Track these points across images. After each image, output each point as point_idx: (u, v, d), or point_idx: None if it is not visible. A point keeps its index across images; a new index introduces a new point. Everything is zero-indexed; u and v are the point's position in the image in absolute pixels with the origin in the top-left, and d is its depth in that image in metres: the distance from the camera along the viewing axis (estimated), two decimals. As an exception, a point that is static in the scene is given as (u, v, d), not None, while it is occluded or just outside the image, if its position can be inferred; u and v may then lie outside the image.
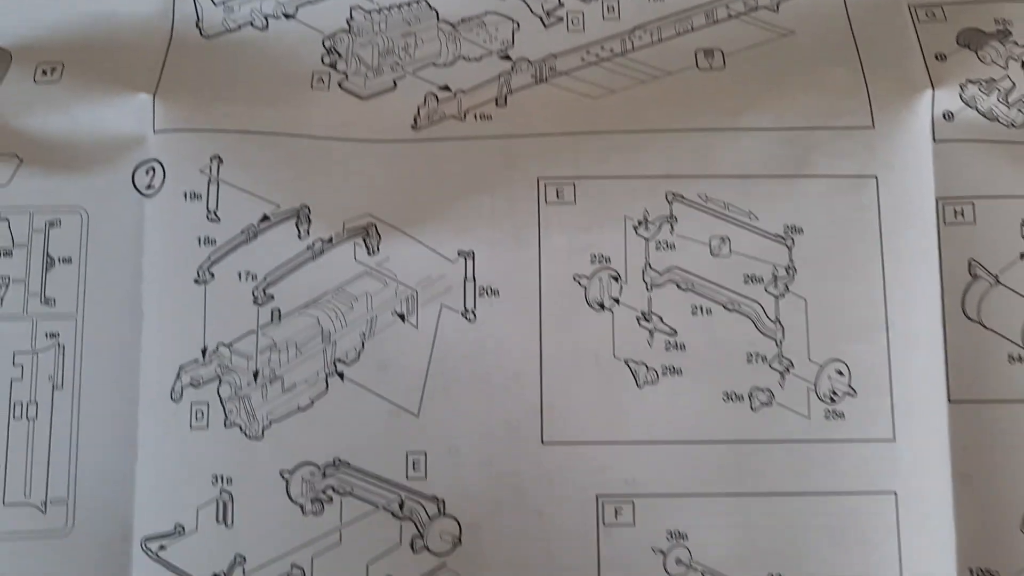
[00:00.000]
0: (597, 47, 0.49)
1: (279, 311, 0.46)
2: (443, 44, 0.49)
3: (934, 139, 0.47)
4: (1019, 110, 0.48)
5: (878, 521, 0.45)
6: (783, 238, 0.47)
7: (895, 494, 0.45)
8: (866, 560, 0.45)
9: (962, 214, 0.47)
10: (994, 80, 0.48)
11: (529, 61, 0.49)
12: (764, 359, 0.46)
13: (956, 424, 0.45)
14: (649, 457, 0.45)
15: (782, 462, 0.45)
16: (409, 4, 0.50)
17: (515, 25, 0.50)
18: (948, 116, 0.48)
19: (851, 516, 0.45)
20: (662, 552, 0.45)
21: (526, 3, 0.50)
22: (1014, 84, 0.48)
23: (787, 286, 0.47)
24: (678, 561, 0.45)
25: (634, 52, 0.49)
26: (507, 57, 0.49)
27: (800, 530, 0.45)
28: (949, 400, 0.46)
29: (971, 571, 0.45)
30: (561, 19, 0.50)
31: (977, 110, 0.48)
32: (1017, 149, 0.47)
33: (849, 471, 0.45)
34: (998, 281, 0.47)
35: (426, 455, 0.45)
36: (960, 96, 0.48)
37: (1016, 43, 0.49)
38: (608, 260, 0.47)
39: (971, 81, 0.48)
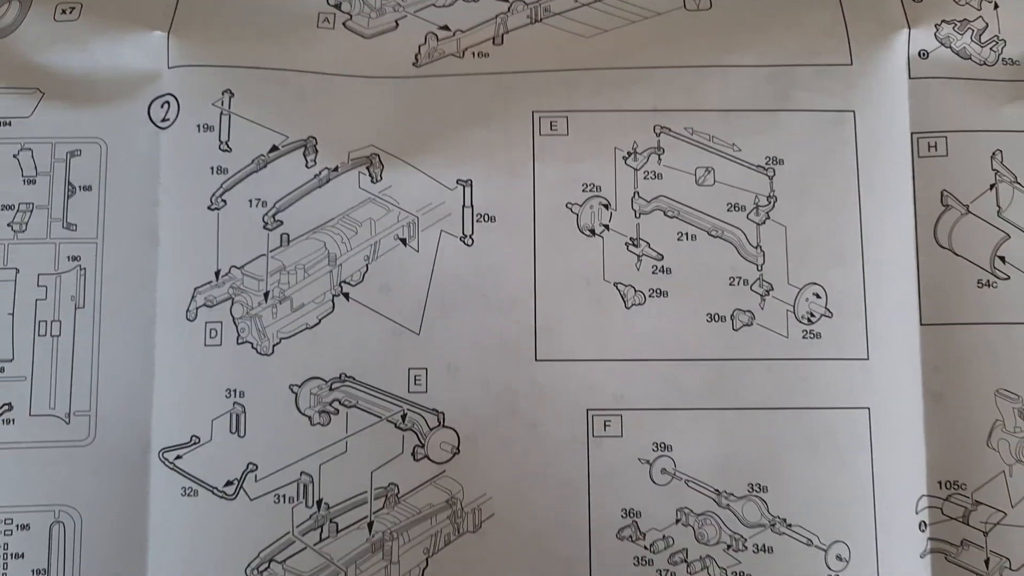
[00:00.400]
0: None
1: (288, 236, 0.47)
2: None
3: (910, 76, 0.49)
4: (991, 49, 0.49)
5: (852, 435, 0.46)
6: (765, 169, 0.48)
7: (868, 410, 0.47)
8: (840, 471, 0.46)
9: (935, 147, 0.48)
10: (968, 20, 0.49)
11: (525, 2, 0.50)
12: (746, 282, 0.47)
13: (927, 345, 0.47)
14: (636, 374, 0.47)
15: (762, 379, 0.47)
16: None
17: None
18: (923, 54, 0.49)
19: (826, 430, 0.46)
20: (648, 462, 0.47)
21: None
22: (987, 24, 0.49)
23: (768, 214, 0.48)
24: (663, 471, 0.46)
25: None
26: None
27: (778, 442, 0.46)
28: (921, 323, 0.47)
29: (940, 483, 0.46)
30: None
31: (951, 49, 0.49)
32: (988, 86, 0.48)
33: (825, 388, 0.47)
34: (968, 211, 0.48)
35: (427, 371, 0.47)
36: (935, 35, 0.49)
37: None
38: (599, 189, 0.48)
39: (946, 21, 0.49)
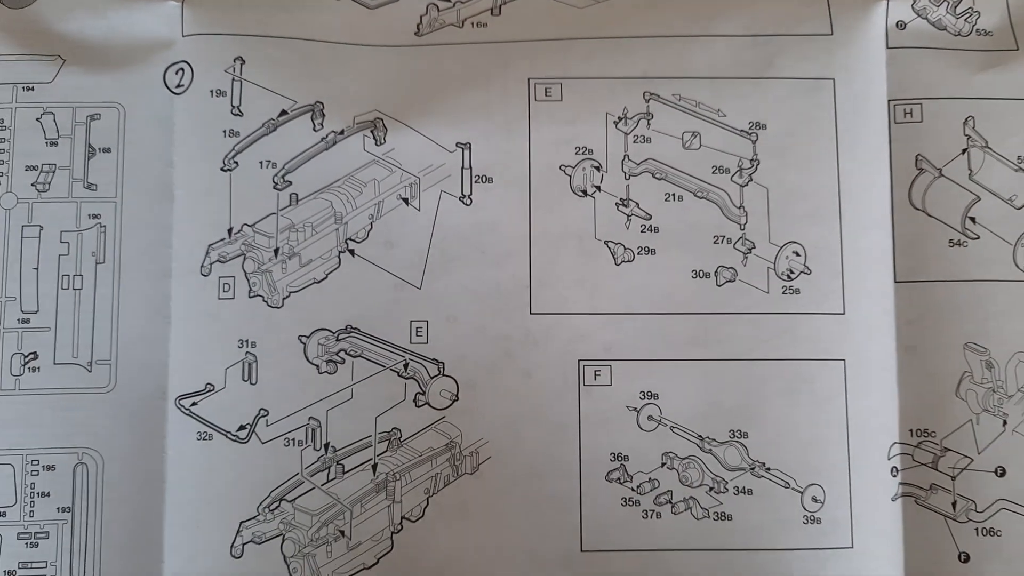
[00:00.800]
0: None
1: (296, 195, 0.49)
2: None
3: (887, 46, 0.50)
4: (965, 20, 0.50)
5: (828, 385, 0.48)
6: (748, 133, 0.49)
7: (844, 361, 0.48)
8: (816, 419, 0.48)
9: (911, 114, 0.50)
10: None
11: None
12: (729, 241, 0.49)
13: (901, 301, 0.48)
14: (625, 326, 0.49)
15: (743, 331, 0.49)
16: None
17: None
18: (901, 25, 0.50)
19: (804, 380, 0.48)
20: (635, 409, 0.48)
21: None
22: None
23: (751, 176, 0.50)
24: (650, 417, 0.48)
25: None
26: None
27: (758, 391, 0.48)
28: (895, 280, 0.48)
29: (911, 431, 0.48)
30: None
31: (927, 20, 0.50)
32: (962, 56, 0.50)
33: (803, 340, 0.49)
34: (941, 174, 0.49)
35: (427, 323, 0.48)
36: (912, 7, 0.50)
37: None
38: (591, 152, 0.50)
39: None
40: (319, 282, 0.49)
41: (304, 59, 0.49)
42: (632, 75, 0.50)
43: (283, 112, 0.49)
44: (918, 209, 0.49)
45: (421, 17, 0.50)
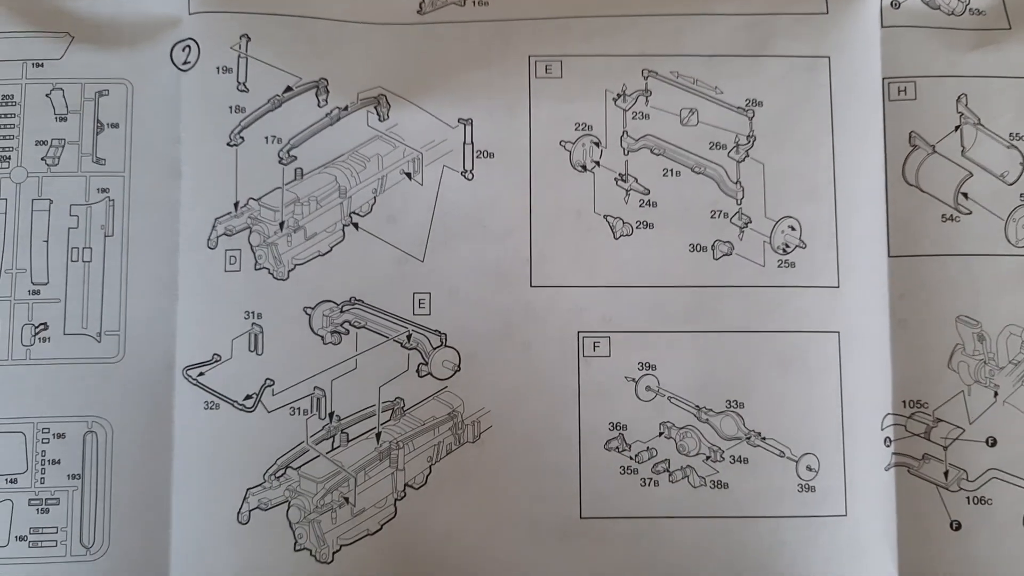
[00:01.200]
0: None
1: (301, 170, 0.49)
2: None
3: (882, 24, 0.50)
4: (959, 0, 0.49)
5: (823, 357, 0.48)
6: (744, 110, 0.49)
7: (838, 334, 0.48)
8: (811, 390, 0.48)
9: (905, 92, 0.49)
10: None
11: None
12: (726, 215, 0.49)
13: (895, 276, 0.48)
14: (623, 299, 0.48)
15: (739, 304, 0.48)
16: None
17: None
18: (895, 4, 0.50)
19: (799, 352, 0.48)
20: (633, 380, 0.48)
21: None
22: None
23: (747, 152, 0.49)
24: (647, 388, 0.48)
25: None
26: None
27: (754, 363, 0.48)
28: (889, 255, 0.48)
29: (904, 402, 0.48)
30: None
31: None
32: (955, 35, 0.50)
33: (798, 313, 0.48)
34: (935, 150, 0.49)
35: (430, 295, 0.48)
36: (907, -15, 0.48)
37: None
38: (590, 128, 0.49)
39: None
40: (324, 255, 0.48)
41: (309, 37, 0.49)
42: (631, 53, 0.50)
43: (288, 89, 0.49)
44: (911, 185, 0.49)
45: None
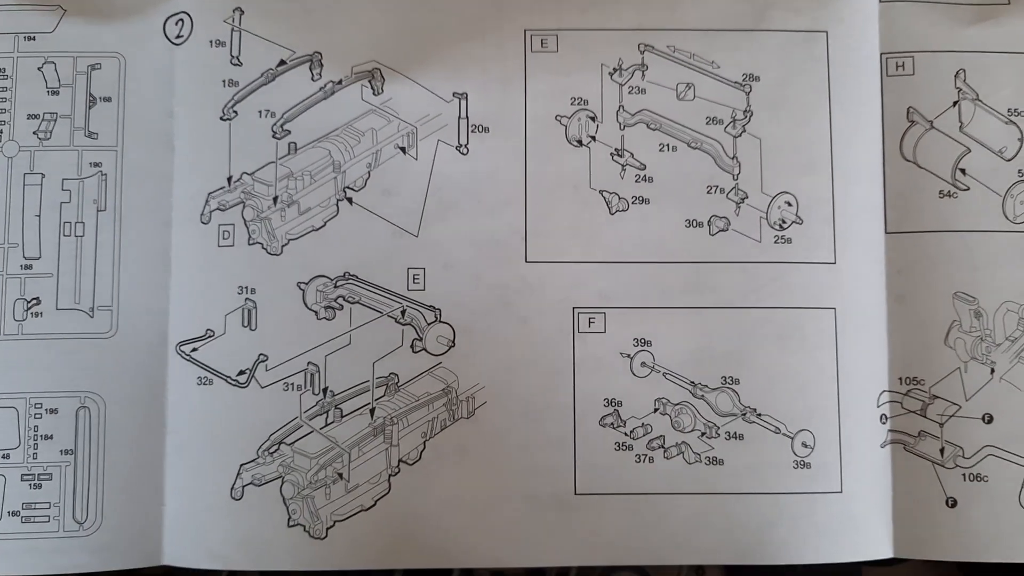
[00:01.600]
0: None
1: (295, 144, 0.47)
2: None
3: (880, -1, 0.46)
4: None
5: (819, 333, 0.47)
6: (742, 85, 0.48)
7: (834, 310, 0.47)
8: (807, 366, 0.47)
9: (903, 66, 0.48)
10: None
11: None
12: (722, 191, 0.48)
13: (892, 252, 0.47)
14: (619, 274, 0.47)
15: (735, 280, 0.47)
16: None
17: None
18: None
19: (795, 328, 0.47)
20: (629, 356, 0.47)
21: None
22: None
23: (744, 127, 0.48)
24: (643, 364, 0.47)
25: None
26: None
27: (750, 339, 0.47)
28: (886, 231, 0.47)
29: (900, 379, 0.47)
30: None
31: (920, -27, 0.47)
32: (954, 8, 0.48)
33: (794, 289, 0.47)
34: (932, 126, 0.48)
35: (424, 270, 0.47)
36: (905, -42, 0.47)
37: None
38: (586, 102, 0.48)
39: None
40: (317, 230, 0.47)
41: (303, 9, 0.48)
42: (627, 27, 0.48)
43: (282, 62, 0.48)
44: (909, 161, 0.48)
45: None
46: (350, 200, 0.48)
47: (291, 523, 0.45)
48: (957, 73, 0.48)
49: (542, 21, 0.48)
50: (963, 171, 0.47)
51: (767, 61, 0.48)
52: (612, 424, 0.47)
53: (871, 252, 0.47)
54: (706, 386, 0.47)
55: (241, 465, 0.46)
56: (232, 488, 0.45)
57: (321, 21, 0.48)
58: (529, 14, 0.48)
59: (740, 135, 0.48)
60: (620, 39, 0.48)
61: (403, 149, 0.48)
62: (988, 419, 0.47)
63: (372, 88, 0.48)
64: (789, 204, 0.48)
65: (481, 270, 0.47)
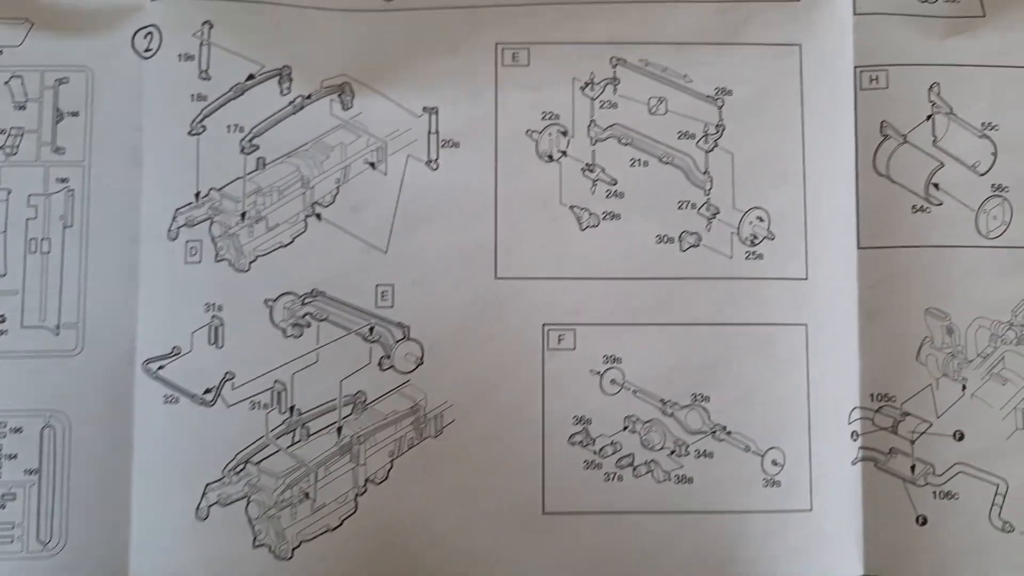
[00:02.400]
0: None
1: (264, 160, 0.45)
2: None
3: (855, 12, 0.46)
4: None
5: (790, 350, 0.45)
6: (714, 99, 0.45)
7: (806, 326, 0.45)
8: (778, 383, 0.45)
9: (877, 80, 0.46)
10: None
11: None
12: (694, 206, 0.45)
13: (864, 267, 0.45)
14: (589, 291, 0.45)
15: (707, 296, 0.45)
16: None
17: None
18: None
19: (766, 344, 0.45)
20: (599, 373, 0.45)
21: None
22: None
23: (716, 142, 0.46)
24: (612, 381, 0.44)
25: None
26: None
27: (720, 356, 0.44)
28: (858, 246, 0.45)
29: (872, 396, 0.45)
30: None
31: (896, -15, 0.44)
32: (928, 22, 0.46)
33: (765, 305, 0.45)
34: (906, 140, 0.46)
35: (393, 287, 0.45)
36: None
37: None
38: (557, 117, 0.46)
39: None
40: (285, 246, 0.45)
41: (272, 23, 0.45)
42: (599, 40, 0.46)
43: (251, 76, 0.45)
44: (882, 175, 0.45)
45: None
46: (318, 216, 0.45)
47: (256, 544, 0.43)
48: (931, 87, 0.46)
49: (514, 34, 0.46)
50: (936, 186, 0.45)
51: (740, 75, 0.46)
52: (581, 442, 0.44)
53: (843, 267, 0.45)
54: (676, 403, 0.45)
55: (207, 485, 0.43)
56: (198, 508, 0.43)
57: (291, 35, 0.45)
58: (501, 27, 0.46)
59: (712, 150, 0.46)
60: (592, 53, 0.46)
61: (372, 164, 0.46)
62: (959, 436, 0.45)
63: (342, 103, 0.45)
64: (761, 219, 0.46)
65: (450, 286, 0.45)
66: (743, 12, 0.46)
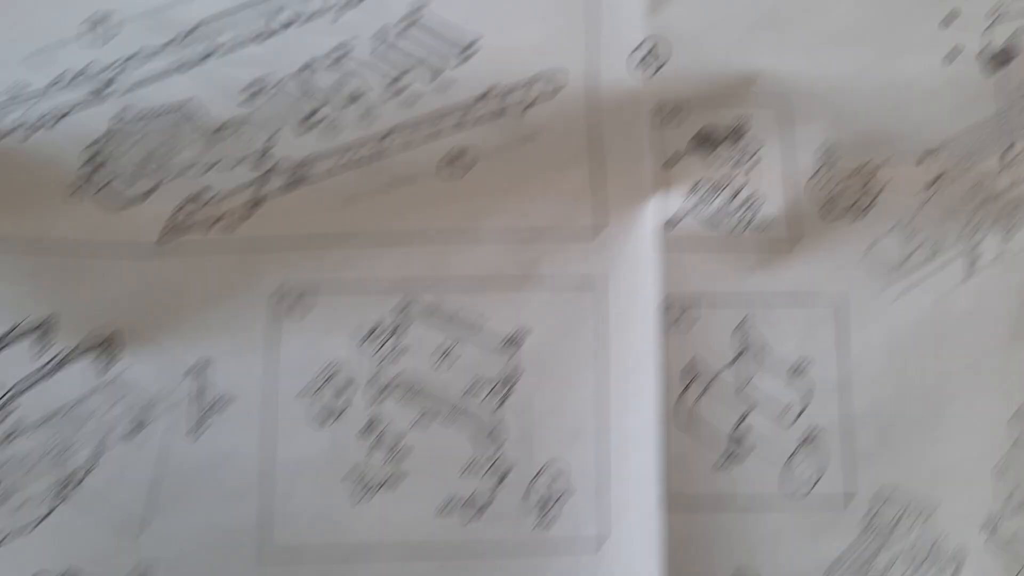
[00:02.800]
0: (350, 152, 0.43)
1: (13, 432, 0.40)
2: (201, 150, 0.43)
3: (659, 244, 0.43)
4: (744, 212, 0.44)
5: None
6: (511, 343, 0.42)
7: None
8: None
9: (683, 318, 0.43)
10: (722, 184, 0.44)
11: (281, 168, 0.43)
12: (481, 467, 0.42)
13: (669, 527, 0.41)
14: (362, 572, 0.41)
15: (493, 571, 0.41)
16: (169, 112, 0.42)
17: (274, 131, 0.44)
18: (672, 223, 0.43)
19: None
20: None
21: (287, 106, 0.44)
22: (742, 185, 0.44)
23: (507, 394, 0.42)
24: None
25: (384, 158, 0.44)
26: (262, 163, 0.43)
27: None
28: (663, 504, 0.41)
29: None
30: (320, 122, 0.44)
31: (702, 216, 0.43)
32: (737, 256, 0.44)
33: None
34: (712, 383, 0.43)
35: (150, 568, 0.40)
36: (687, 201, 0.43)
37: (747, 145, 0.44)
38: (337, 371, 0.42)
39: (699, 185, 0.44)
40: (36, 525, 0.40)
41: (33, 271, 0.41)
42: (388, 282, 0.43)
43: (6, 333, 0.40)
44: (686, 423, 0.42)
45: (172, 213, 0.43)
46: (67, 496, 0.40)
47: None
48: (740, 323, 0.43)
49: (295, 282, 0.42)
50: (741, 439, 0.42)
51: (539, 314, 0.42)
52: None
53: (646, 526, 0.41)
54: None
55: None
56: None
57: (55, 286, 0.42)
58: (280, 274, 0.42)
59: (502, 404, 0.42)
60: (380, 297, 0.43)
61: (132, 432, 0.41)
62: None
63: (104, 359, 0.41)
64: (556, 478, 0.42)
65: (215, 567, 0.40)
66: (543, 245, 0.43)
